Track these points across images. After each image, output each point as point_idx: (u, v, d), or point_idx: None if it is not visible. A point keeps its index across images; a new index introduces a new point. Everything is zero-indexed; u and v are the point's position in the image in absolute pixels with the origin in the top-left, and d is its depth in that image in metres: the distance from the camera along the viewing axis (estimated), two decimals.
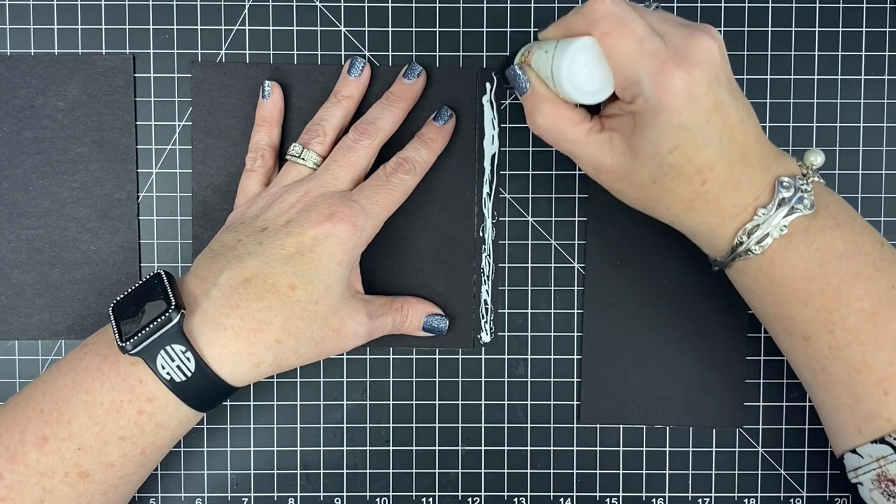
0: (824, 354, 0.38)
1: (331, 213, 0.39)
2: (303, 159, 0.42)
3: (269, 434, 0.46)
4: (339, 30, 0.46)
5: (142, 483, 0.41)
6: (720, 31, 0.46)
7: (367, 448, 0.47)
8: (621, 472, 0.47)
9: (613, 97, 0.37)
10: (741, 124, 0.36)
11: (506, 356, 0.47)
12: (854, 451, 0.38)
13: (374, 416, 0.47)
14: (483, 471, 0.47)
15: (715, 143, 0.35)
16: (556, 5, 0.46)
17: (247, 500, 0.46)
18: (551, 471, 0.47)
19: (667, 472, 0.47)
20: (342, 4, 0.46)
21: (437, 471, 0.47)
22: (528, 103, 0.39)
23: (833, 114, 0.46)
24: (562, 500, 0.47)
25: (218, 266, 0.39)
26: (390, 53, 0.46)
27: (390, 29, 0.46)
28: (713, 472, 0.47)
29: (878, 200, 0.46)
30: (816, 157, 0.39)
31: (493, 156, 0.46)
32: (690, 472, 0.47)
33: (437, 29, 0.46)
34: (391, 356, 0.46)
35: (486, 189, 0.46)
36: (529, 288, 0.46)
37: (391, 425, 0.47)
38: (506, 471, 0.47)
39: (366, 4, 0.46)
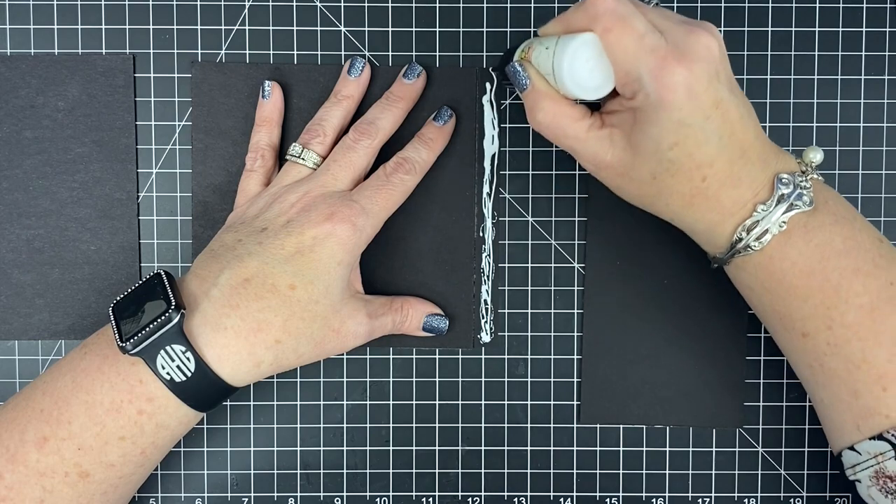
0: (823, 351, 0.38)
1: (331, 213, 0.39)
2: (303, 159, 0.42)
3: (269, 434, 0.46)
4: (339, 30, 0.46)
5: (142, 483, 0.41)
6: (720, 31, 0.46)
7: (367, 448, 0.47)
8: (621, 472, 0.47)
9: (614, 93, 0.37)
10: (741, 121, 0.36)
11: (506, 356, 0.47)
12: (852, 448, 0.38)
13: (374, 416, 0.47)
14: (483, 471, 0.47)
15: (715, 140, 0.36)
16: (555, 5, 0.46)
17: (247, 500, 0.46)
18: (551, 471, 0.47)
19: (667, 472, 0.47)
20: (342, 4, 0.46)
21: (437, 471, 0.47)
22: (529, 100, 0.39)
23: (833, 114, 0.46)
24: (562, 500, 0.47)
25: (218, 266, 0.39)
26: (390, 53, 0.46)
27: (390, 29, 0.46)
28: (713, 472, 0.47)
29: (878, 200, 0.46)
30: (815, 155, 0.39)
31: (493, 156, 0.46)
32: (690, 472, 0.47)
33: (437, 29, 0.46)
34: (391, 356, 0.46)
35: (486, 189, 0.46)
36: (529, 288, 0.46)
37: (391, 425, 0.47)
38: (506, 471, 0.47)
39: (366, 4, 0.46)
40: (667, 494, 0.47)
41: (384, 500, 0.46)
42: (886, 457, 0.37)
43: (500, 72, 0.45)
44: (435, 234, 0.46)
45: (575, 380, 0.47)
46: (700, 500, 0.47)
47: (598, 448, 0.47)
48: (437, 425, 0.47)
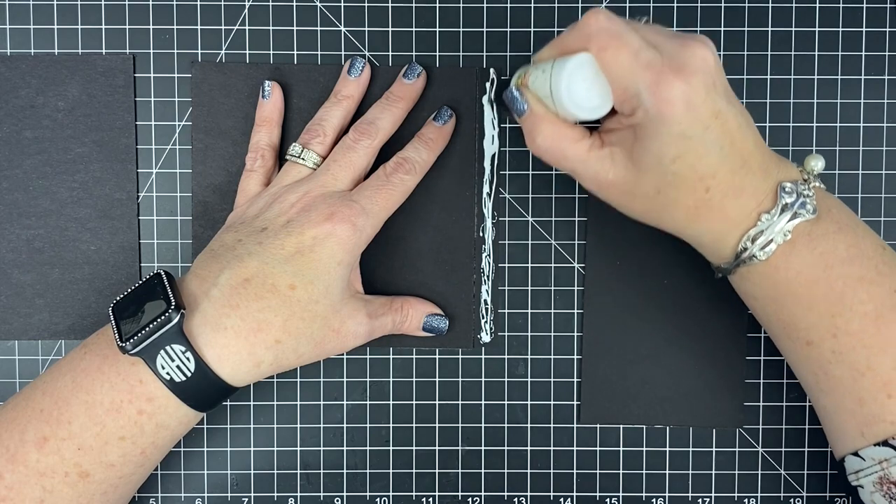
0: (827, 359, 0.38)
1: (331, 213, 0.39)
2: (303, 159, 0.42)
3: (269, 434, 0.46)
4: (339, 30, 0.46)
5: (142, 483, 0.41)
6: (720, 31, 0.46)
7: (367, 448, 0.47)
8: (621, 472, 0.47)
9: (612, 112, 0.37)
10: (740, 130, 0.36)
11: (506, 356, 0.47)
12: (856, 454, 0.38)
13: (374, 416, 0.47)
14: (483, 471, 0.47)
15: (716, 150, 0.36)
16: (555, 5, 0.46)
17: (247, 500, 0.46)
18: (551, 471, 0.47)
19: (667, 472, 0.47)
20: (342, 4, 0.46)
21: (437, 471, 0.47)
22: (527, 124, 0.39)
23: (833, 114, 0.46)
24: (562, 500, 0.47)
25: (218, 266, 0.39)
26: (390, 53, 0.46)
27: (390, 29, 0.46)
28: (713, 472, 0.47)
29: (878, 200, 0.46)
30: (817, 163, 0.39)
31: (493, 156, 0.46)
32: (690, 472, 0.47)
33: (437, 29, 0.46)
34: (391, 356, 0.46)
35: (486, 189, 0.46)
36: (529, 288, 0.46)
37: (391, 425, 0.47)
38: (506, 471, 0.47)
39: (366, 4, 0.46)
40: (667, 494, 0.47)
41: (384, 500, 0.46)
42: (891, 463, 0.37)
43: (500, 101, 0.45)
44: (435, 234, 0.46)
45: (575, 380, 0.47)
46: (700, 500, 0.47)
47: (598, 448, 0.47)
48: (437, 425, 0.47)
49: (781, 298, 0.38)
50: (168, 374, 0.36)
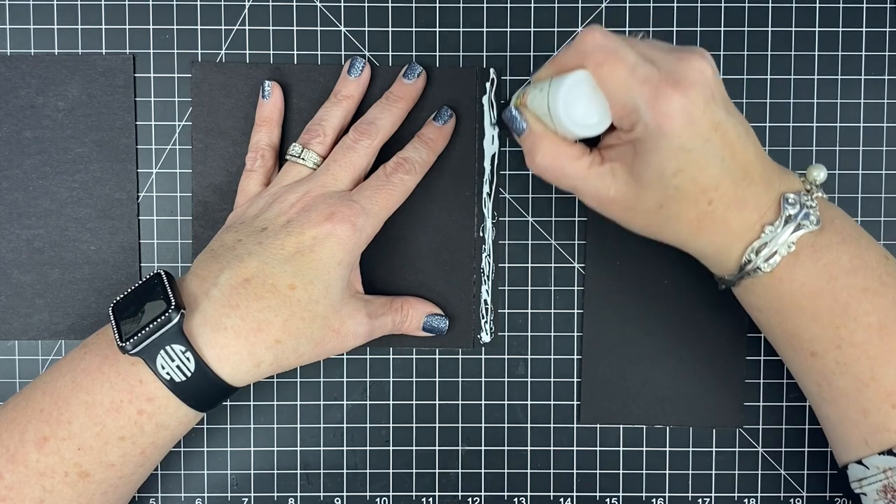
0: (831, 370, 0.38)
1: (331, 213, 0.39)
2: (303, 159, 0.42)
3: (269, 434, 0.46)
4: (339, 30, 0.46)
5: (142, 483, 0.41)
6: (720, 31, 0.46)
7: (367, 448, 0.47)
8: (621, 472, 0.47)
9: (611, 128, 0.37)
10: (740, 141, 0.36)
11: (506, 356, 0.47)
12: (859, 462, 0.38)
13: (374, 416, 0.47)
14: (483, 471, 0.47)
15: (717, 162, 0.35)
16: (555, 5, 0.46)
17: (247, 500, 0.46)
18: (551, 471, 0.47)
19: (667, 472, 0.47)
20: (342, 4, 0.46)
21: (437, 471, 0.47)
22: (527, 143, 0.39)
23: (833, 114, 0.46)
24: (562, 500, 0.47)
25: (218, 266, 0.39)
26: (390, 53, 0.46)
27: (390, 29, 0.46)
28: (713, 472, 0.47)
29: (878, 200, 0.46)
30: (819, 173, 0.39)
31: (493, 156, 0.46)
32: (690, 472, 0.47)
33: (437, 29, 0.46)
34: (391, 356, 0.46)
35: (486, 189, 0.46)
36: (529, 288, 0.46)
37: (391, 425, 0.47)
38: (506, 471, 0.47)
39: (366, 4, 0.46)
40: (667, 494, 0.47)
41: (384, 500, 0.46)
42: None
43: (501, 122, 0.45)
44: (435, 234, 0.46)
45: (575, 380, 0.47)
46: (700, 500, 0.47)
47: (598, 448, 0.47)
48: (437, 425, 0.47)
49: (785, 310, 0.38)
50: (168, 374, 0.36)
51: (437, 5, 0.46)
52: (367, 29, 0.46)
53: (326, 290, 0.39)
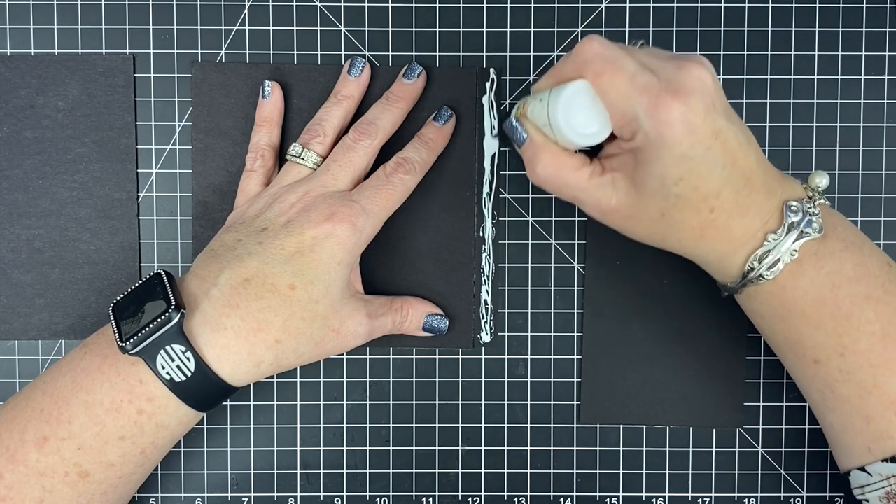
0: (835, 377, 0.38)
1: (331, 213, 0.39)
2: (303, 159, 0.42)
3: (269, 434, 0.46)
4: (339, 30, 0.46)
5: (142, 483, 0.41)
6: (720, 31, 0.46)
7: (367, 448, 0.47)
8: (621, 472, 0.47)
9: (611, 138, 0.37)
10: (741, 149, 0.36)
11: (506, 356, 0.47)
12: (862, 469, 0.38)
13: (374, 416, 0.47)
14: (483, 471, 0.47)
15: (718, 170, 0.35)
16: (555, 5, 0.46)
17: (247, 500, 0.46)
18: (551, 471, 0.47)
19: (667, 472, 0.47)
20: (342, 4, 0.46)
21: (437, 471, 0.47)
22: (527, 154, 0.39)
23: (833, 114, 0.46)
24: (562, 500, 0.47)
25: (218, 266, 0.39)
26: (390, 53, 0.46)
27: (390, 29, 0.46)
28: (713, 472, 0.47)
29: (877, 200, 0.46)
30: (821, 180, 0.39)
31: (493, 156, 0.46)
32: (690, 472, 0.47)
33: (437, 29, 0.46)
34: (391, 356, 0.46)
35: (486, 189, 0.46)
36: (529, 288, 0.46)
37: (391, 425, 0.47)
38: (506, 471, 0.47)
39: (366, 4, 0.46)
40: (667, 494, 0.47)
41: (384, 500, 0.46)
42: None
43: (502, 133, 0.45)
44: (435, 234, 0.46)
45: (575, 380, 0.47)
46: (700, 500, 0.47)
47: (598, 448, 0.47)
48: (437, 425, 0.47)
49: (788, 317, 0.38)
50: (168, 373, 0.36)
51: (437, 5, 0.46)
52: (367, 29, 0.46)
53: (326, 290, 0.39)
